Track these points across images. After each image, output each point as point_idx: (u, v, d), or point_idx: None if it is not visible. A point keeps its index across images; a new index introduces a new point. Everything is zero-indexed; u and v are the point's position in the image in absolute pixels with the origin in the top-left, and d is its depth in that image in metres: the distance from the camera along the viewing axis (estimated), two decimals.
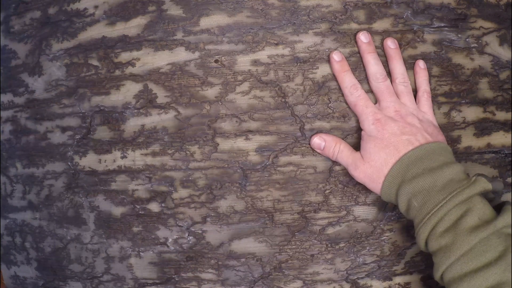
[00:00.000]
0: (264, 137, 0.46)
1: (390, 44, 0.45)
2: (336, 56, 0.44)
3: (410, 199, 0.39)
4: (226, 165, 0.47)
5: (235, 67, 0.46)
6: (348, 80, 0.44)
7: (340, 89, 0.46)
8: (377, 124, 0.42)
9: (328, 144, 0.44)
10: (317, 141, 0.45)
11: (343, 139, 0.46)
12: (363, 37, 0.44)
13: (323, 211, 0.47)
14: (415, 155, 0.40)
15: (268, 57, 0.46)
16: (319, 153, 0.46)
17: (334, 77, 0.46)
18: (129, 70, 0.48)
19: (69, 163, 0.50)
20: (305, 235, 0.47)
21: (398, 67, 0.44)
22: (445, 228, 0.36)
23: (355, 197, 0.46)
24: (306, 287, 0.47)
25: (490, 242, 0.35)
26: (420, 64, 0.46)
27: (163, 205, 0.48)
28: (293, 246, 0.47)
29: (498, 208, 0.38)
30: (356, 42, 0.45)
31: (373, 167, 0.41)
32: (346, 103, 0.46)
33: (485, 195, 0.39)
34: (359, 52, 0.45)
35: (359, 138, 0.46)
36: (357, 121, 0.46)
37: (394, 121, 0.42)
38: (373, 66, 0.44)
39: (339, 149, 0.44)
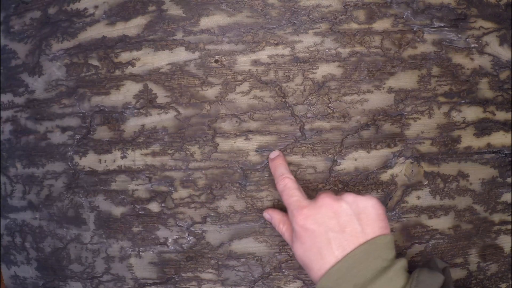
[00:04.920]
0: (264, 137, 0.46)
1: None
2: (271, 155, 0.46)
3: None
4: (226, 165, 0.47)
5: (235, 67, 0.46)
6: (279, 170, 0.43)
7: (339, 89, 0.46)
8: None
9: (274, 221, 0.44)
10: (266, 215, 0.45)
11: (343, 139, 0.46)
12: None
13: None
14: (345, 267, 0.35)
15: (268, 57, 0.46)
16: (319, 153, 0.46)
17: (333, 77, 0.46)
18: (129, 70, 0.48)
19: (69, 163, 0.50)
20: None
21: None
22: None
23: None
24: (306, 287, 0.47)
25: None
26: None
27: (163, 205, 0.48)
28: None
29: None
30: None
31: (308, 257, 0.38)
32: (346, 103, 0.46)
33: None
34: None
35: (359, 138, 0.46)
36: (357, 121, 0.46)
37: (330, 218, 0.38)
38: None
39: (282, 231, 0.43)
